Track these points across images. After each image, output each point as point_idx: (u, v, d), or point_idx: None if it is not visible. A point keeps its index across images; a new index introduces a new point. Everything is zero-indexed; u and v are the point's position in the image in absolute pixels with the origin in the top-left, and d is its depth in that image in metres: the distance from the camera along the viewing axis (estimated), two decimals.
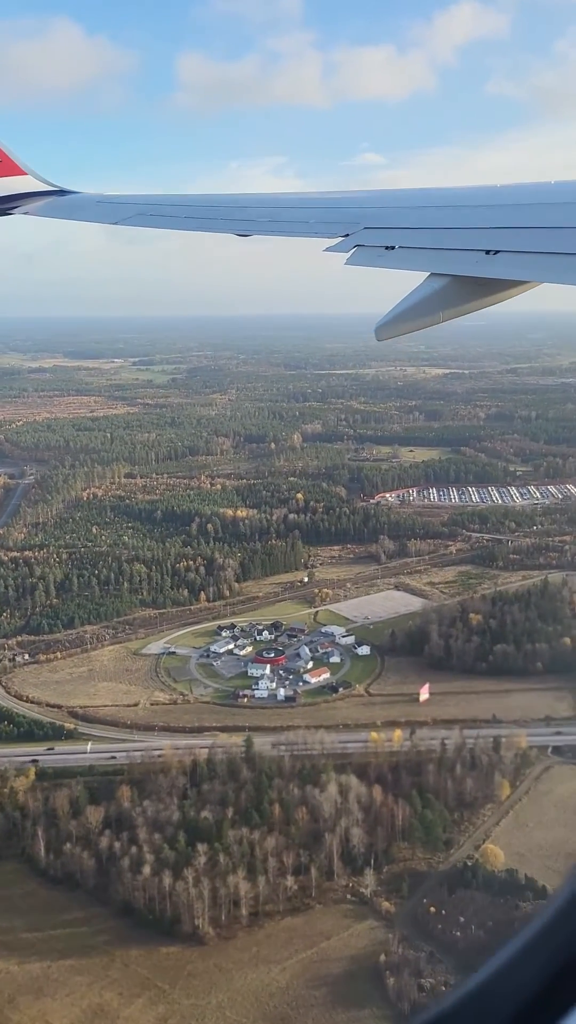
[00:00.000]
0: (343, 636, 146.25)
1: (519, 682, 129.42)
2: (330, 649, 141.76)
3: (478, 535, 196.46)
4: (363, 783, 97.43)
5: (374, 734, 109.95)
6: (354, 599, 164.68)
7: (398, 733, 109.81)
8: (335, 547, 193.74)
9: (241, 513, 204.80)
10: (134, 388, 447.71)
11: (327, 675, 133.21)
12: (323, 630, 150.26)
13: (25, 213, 21.01)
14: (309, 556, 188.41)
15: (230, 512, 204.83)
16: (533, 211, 12.77)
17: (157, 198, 21.59)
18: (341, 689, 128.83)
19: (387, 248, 12.97)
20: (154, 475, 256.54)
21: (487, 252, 11.41)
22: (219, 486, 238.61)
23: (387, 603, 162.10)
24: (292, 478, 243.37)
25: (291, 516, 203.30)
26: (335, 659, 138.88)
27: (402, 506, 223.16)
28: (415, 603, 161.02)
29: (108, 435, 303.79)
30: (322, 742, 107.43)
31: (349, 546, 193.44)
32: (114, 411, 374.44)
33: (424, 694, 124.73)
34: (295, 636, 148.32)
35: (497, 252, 11.32)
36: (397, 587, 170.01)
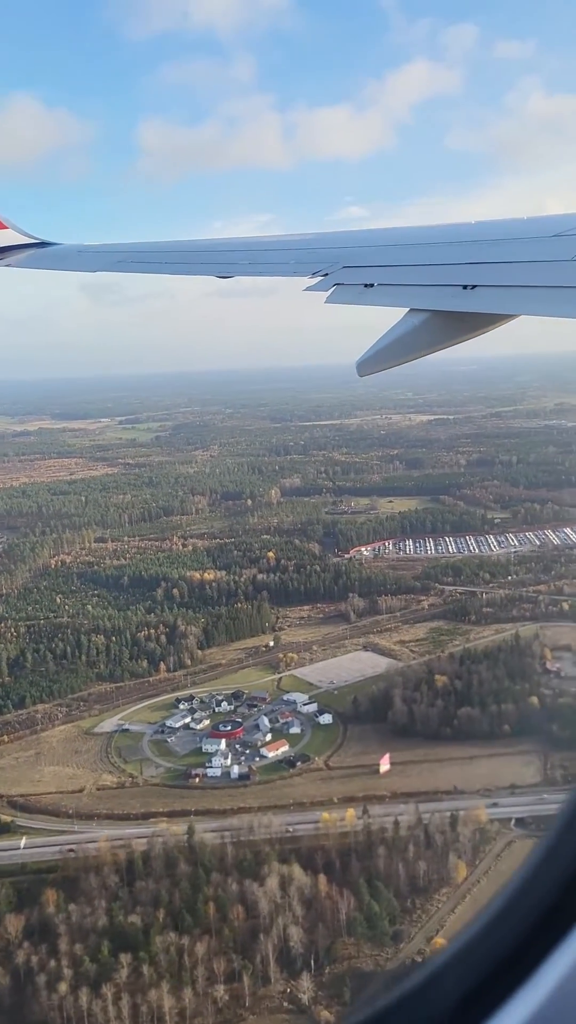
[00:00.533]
0: (305, 704, 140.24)
1: (485, 747, 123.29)
2: (291, 719, 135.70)
3: (451, 588, 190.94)
4: (307, 872, 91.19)
5: (325, 815, 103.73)
6: (320, 662, 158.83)
7: (350, 812, 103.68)
8: (305, 607, 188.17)
9: (208, 575, 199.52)
10: (116, 448, 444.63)
11: (285, 748, 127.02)
12: (285, 698, 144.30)
13: (8, 265, 21.40)
14: (277, 618, 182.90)
15: (197, 575, 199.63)
16: (508, 246, 13.18)
17: (138, 245, 21.86)
18: (299, 763, 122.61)
19: (366, 286, 13.15)
20: (126, 538, 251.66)
21: (465, 287, 11.69)
22: (190, 547, 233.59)
23: (354, 665, 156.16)
24: (265, 536, 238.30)
25: (260, 576, 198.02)
26: (295, 729, 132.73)
27: (376, 560, 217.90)
28: (383, 664, 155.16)
29: (83, 498, 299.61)
30: (270, 826, 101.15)
31: (319, 605, 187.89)
32: (94, 473, 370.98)
33: (384, 765, 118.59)
34: (255, 706, 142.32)
35: (475, 287, 11.60)
36: (365, 647, 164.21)
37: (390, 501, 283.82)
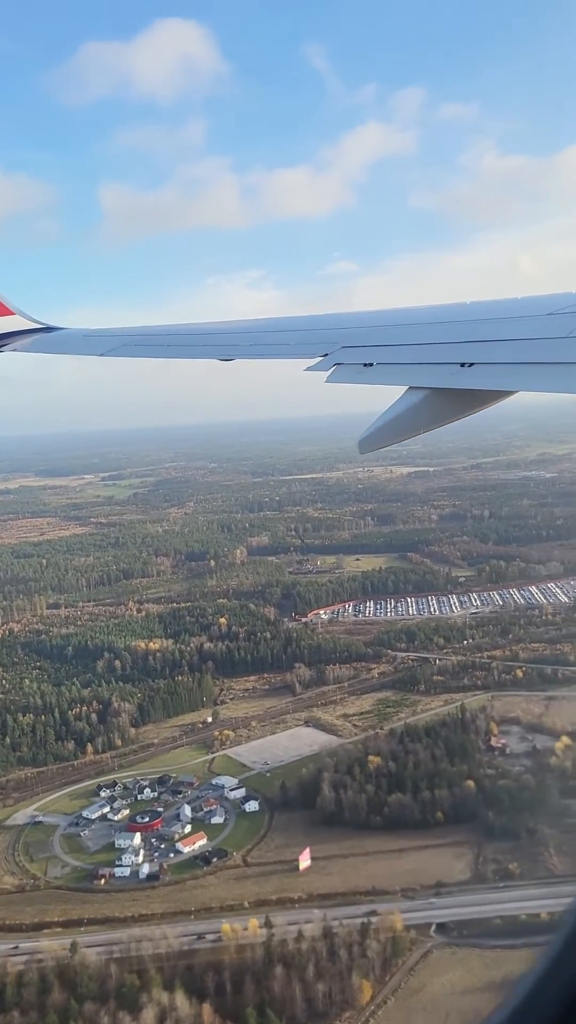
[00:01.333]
0: (233, 789, 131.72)
1: (416, 837, 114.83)
2: (215, 807, 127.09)
3: (405, 654, 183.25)
4: (192, 999, 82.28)
5: (226, 926, 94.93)
6: (257, 740, 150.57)
7: (253, 923, 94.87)
8: (251, 677, 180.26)
9: (154, 645, 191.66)
10: (92, 507, 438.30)
11: (203, 841, 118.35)
12: (214, 782, 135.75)
13: (14, 350, 21.64)
14: (221, 690, 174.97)
15: (143, 644, 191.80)
16: (504, 324, 13.64)
17: (140, 329, 22.10)
18: (215, 859, 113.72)
19: (365, 365, 13.47)
20: (82, 604, 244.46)
21: (462, 364, 11.98)
22: (144, 613, 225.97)
23: (292, 743, 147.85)
24: (222, 599, 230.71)
25: (207, 645, 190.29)
26: (217, 819, 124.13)
27: (332, 624, 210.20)
28: (321, 741, 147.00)
29: (44, 561, 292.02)
30: (165, 940, 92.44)
31: (266, 675, 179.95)
32: (64, 533, 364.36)
33: (304, 861, 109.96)
34: (180, 792, 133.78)
35: (472, 364, 11.92)
36: (307, 722, 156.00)
37: (357, 559, 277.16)
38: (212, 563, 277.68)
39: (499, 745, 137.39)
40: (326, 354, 14.28)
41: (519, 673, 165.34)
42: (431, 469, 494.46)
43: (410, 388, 12.10)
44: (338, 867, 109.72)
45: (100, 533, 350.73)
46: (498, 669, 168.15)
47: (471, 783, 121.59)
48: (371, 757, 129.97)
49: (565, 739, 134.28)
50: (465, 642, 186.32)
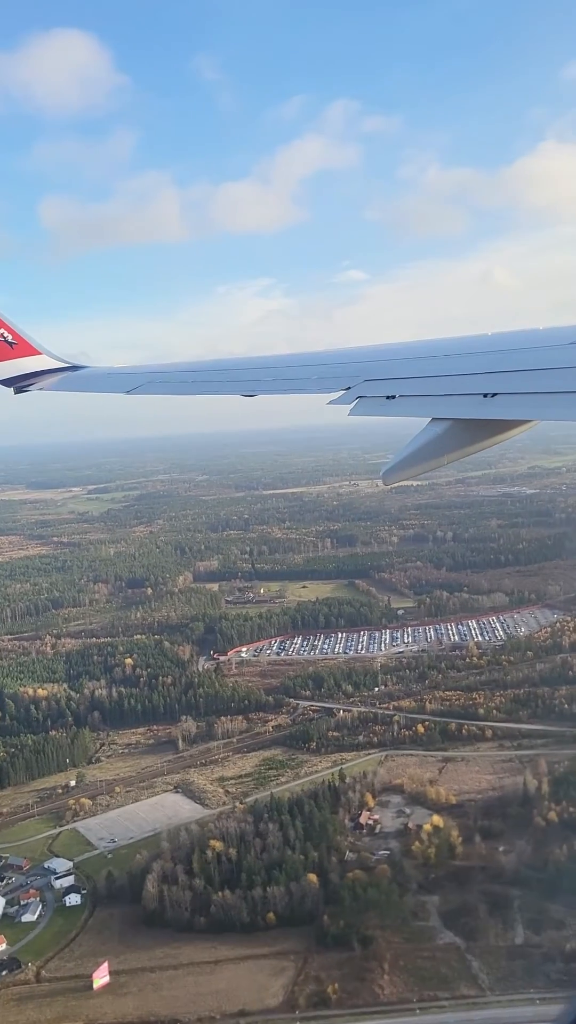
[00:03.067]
0: (61, 876, 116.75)
1: (241, 944, 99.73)
2: (33, 899, 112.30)
3: (308, 703, 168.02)
4: None
5: None
6: (116, 809, 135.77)
7: None
8: (140, 729, 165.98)
9: (43, 691, 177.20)
10: (60, 524, 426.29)
11: (2, 947, 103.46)
12: (47, 865, 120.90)
13: (41, 389, 22.30)
14: (101, 745, 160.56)
15: (31, 691, 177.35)
16: (525, 355, 13.74)
17: (163, 366, 23.07)
18: (3, 973, 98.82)
19: (388, 398, 13.77)
20: None
21: (485, 395, 12.09)
22: (55, 650, 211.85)
23: (152, 814, 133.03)
24: (140, 636, 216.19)
25: (100, 692, 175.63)
26: (29, 916, 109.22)
27: (246, 665, 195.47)
28: (184, 813, 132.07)
29: None
30: None
31: (156, 727, 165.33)
32: (20, 553, 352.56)
33: (100, 978, 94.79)
34: (5, 878, 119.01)
35: (495, 395, 12.02)
36: (177, 788, 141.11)
37: (304, 586, 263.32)
38: (150, 591, 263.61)
39: (370, 822, 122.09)
40: (349, 387, 14.61)
41: (421, 729, 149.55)
42: (415, 483, 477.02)
43: (433, 419, 12.53)
44: (139, 985, 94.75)
45: (53, 555, 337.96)
46: (400, 723, 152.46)
47: (313, 877, 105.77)
48: (213, 841, 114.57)
49: (436, 818, 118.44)
50: (376, 689, 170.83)
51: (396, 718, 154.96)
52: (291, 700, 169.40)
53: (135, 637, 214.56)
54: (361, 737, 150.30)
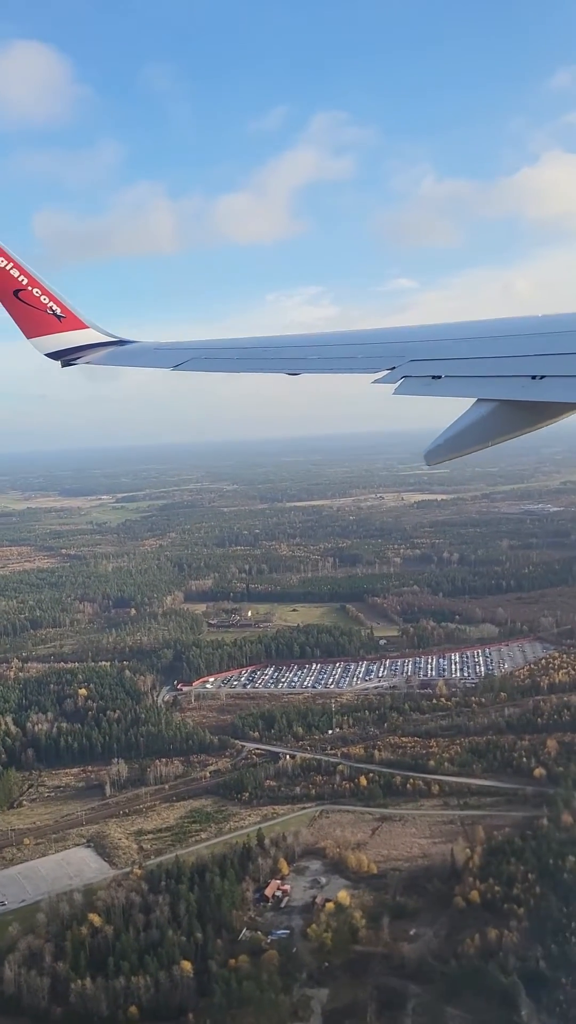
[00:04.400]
0: None
1: None
2: None
3: (255, 745, 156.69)
4: None
5: None
6: (18, 866, 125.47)
7: None
8: (74, 770, 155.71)
9: None
10: (72, 536, 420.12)
11: None
12: None
13: (88, 363, 22.44)
14: (29, 787, 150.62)
15: None
16: (574, 338, 13.63)
17: (211, 343, 22.56)
18: None
19: (433, 378, 13.62)
20: None
21: (533, 377, 11.96)
22: (18, 676, 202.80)
23: (55, 872, 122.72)
24: (104, 662, 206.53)
25: (40, 727, 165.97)
26: None
27: (207, 699, 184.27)
28: (90, 872, 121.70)
29: None
30: None
31: (91, 768, 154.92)
32: (23, 566, 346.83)
33: None
34: None
35: (543, 377, 11.88)
36: (90, 841, 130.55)
37: (294, 609, 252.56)
38: (133, 612, 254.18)
39: (278, 893, 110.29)
40: (393, 367, 14.49)
41: (363, 781, 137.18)
42: (440, 498, 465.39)
43: (478, 400, 12.26)
44: None
45: (52, 569, 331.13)
46: (343, 774, 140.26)
47: (187, 964, 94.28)
48: (92, 915, 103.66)
49: (343, 894, 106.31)
50: (330, 732, 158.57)
51: (340, 767, 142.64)
52: (237, 742, 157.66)
53: (100, 664, 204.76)
54: (299, 788, 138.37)
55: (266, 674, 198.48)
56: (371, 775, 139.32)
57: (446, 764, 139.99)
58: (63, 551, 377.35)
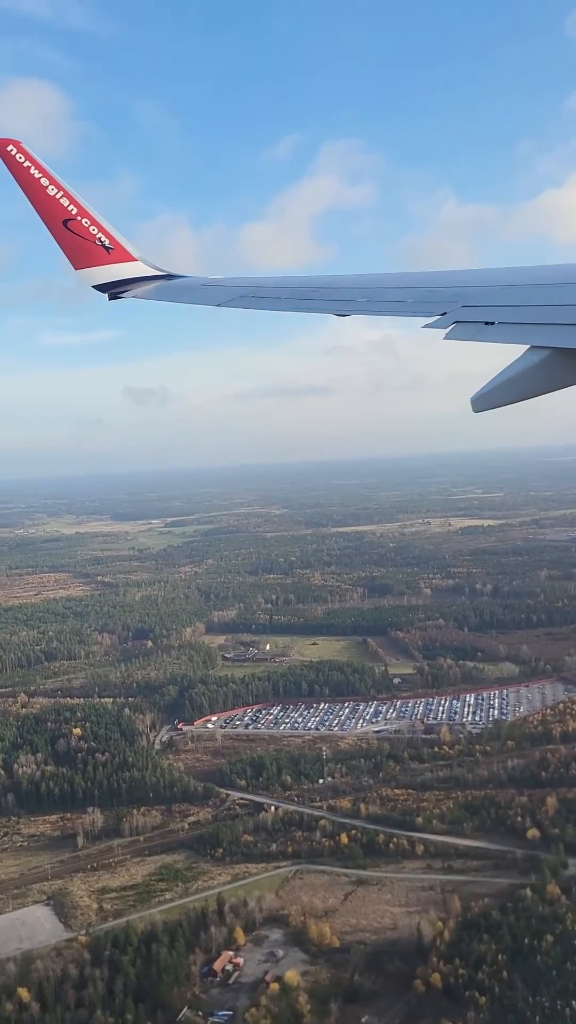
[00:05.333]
0: None
1: None
2: None
3: (240, 795, 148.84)
4: None
5: None
6: None
7: None
8: (53, 816, 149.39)
9: None
10: (111, 562, 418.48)
11: None
12: None
13: (135, 297, 21.98)
14: (4, 834, 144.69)
15: None
16: None
17: (259, 279, 22.02)
18: None
19: (486, 324, 13.26)
20: None
21: None
22: (23, 711, 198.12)
23: (6, 933, 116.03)
24: (107, 698, 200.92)
25: (23, 770, 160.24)
26: None
27: (204, 739, 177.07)
28: (42, 934, 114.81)
29: None
30: None
31: (70, 815, 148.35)
32: (57, 593, 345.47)
33: None
34: None
35: None
36: (51, 898, 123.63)
37: (314, 643, 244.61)
38: (150, 644, 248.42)
39: (229, 967, 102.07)
40: (445, 313, 14.11)
41: (345, 839, 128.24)
42: (487, 523, 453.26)
43: (531, 348, 11.96)
44: None
45: (82, 598, 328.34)
46: (324, 829, 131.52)
47: None
48: (21, 990, 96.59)
49: (292, 974, 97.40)
50: (320, 781, 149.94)
51: (322, 822, 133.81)
52: (222, 790, 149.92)
53: (103, 700, 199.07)
54: (276, 845, 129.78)
55: (271, 713, 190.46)
56: (354, 832, 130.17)
57: (435, 822, 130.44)
58: (99, 578, 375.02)
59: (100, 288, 22.28)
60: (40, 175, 21.17)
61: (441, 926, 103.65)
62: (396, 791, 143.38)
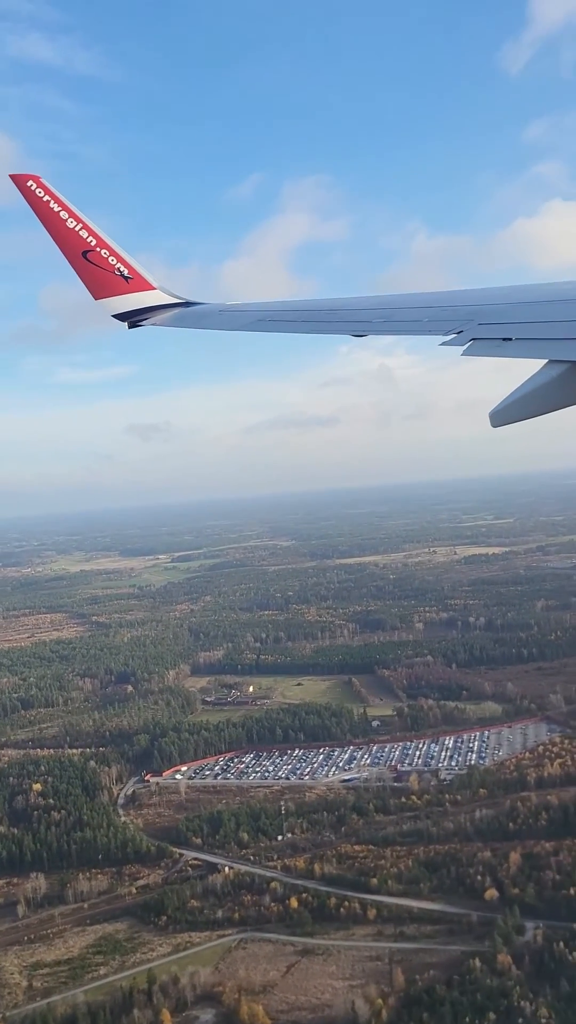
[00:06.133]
0: None
1: None
2: None
3: (194, 854, 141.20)
4: None
5: None
6: None
7: None
8: (1, 881, 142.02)
9: None
10: (108, 601, 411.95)
11: None
12: None
13: (154, 324, 22.36)
14: None
15: None
16: None
17: (276, 303, 22.45)
18: None
19: (504, 340, 13.22)
20: None
21: None
22: None
23: None
24: (75, 749, 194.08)
25: None
26: None
27: (167, 792, 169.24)
28: None
29: None
30: None
31: (16, 879, 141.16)
32: (54, 635, 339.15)
33: None
34: None
35: None
36: None
37: (299, 683, 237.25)
38: (130, 689, 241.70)
39: None
40: (461, 330, 14.05)
41: (295, 903, 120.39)
42: (492, 551, 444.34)
43: (550, 362, 11.94)
44: None
45: (69, 640, 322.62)
46: (274, 893, 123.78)
47: None
48: None
49: None
50: (280, 837, 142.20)
51: (274, 885, 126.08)
52: (176, 850, 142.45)
53: (71, 751, 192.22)
54: (222, 912, 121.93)
55: (243, 762, 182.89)
56: (305, 895, 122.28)
57: (390, 882, 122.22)
58: (94, 618, 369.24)
59: (120, 317, 22.56)
60: (59, 208, 21.37)
61: (380, 1004, 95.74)
62: (356, 847, 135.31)
